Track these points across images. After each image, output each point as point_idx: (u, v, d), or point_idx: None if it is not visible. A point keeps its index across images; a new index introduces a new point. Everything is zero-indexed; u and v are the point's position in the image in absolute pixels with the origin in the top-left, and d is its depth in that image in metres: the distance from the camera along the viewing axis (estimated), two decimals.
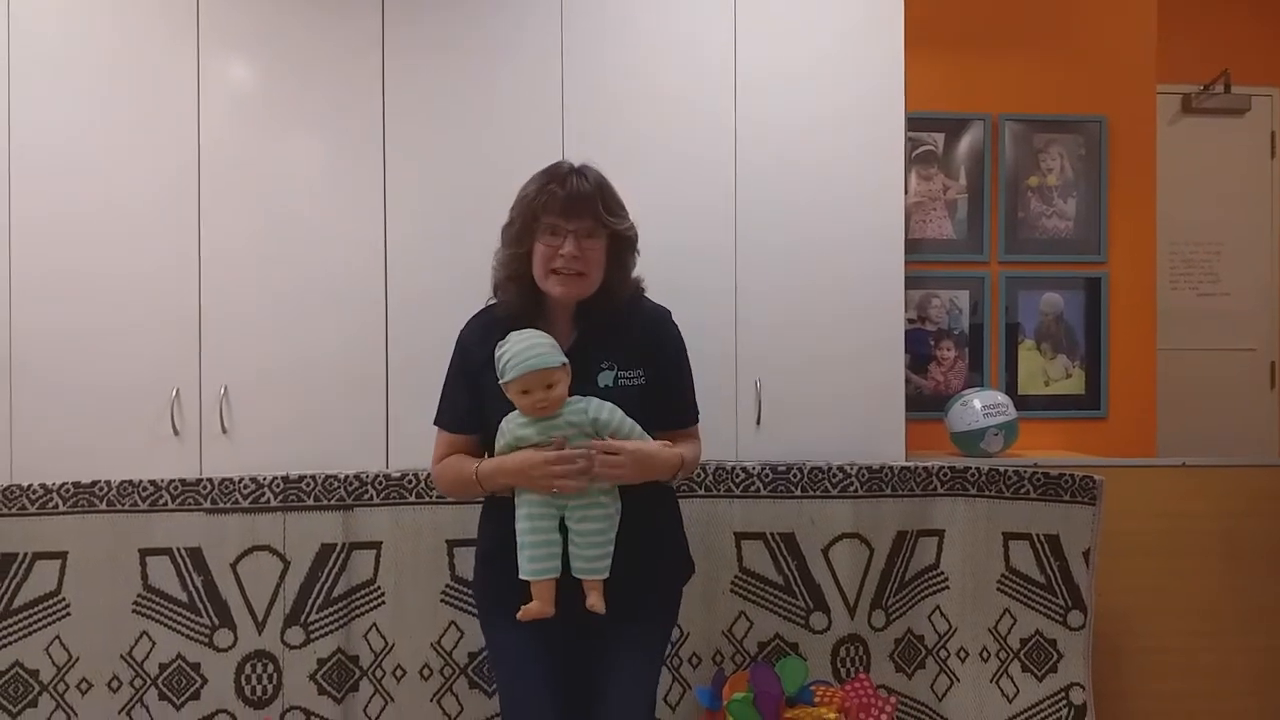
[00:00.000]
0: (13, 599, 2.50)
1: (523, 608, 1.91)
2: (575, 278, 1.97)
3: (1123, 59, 3.62)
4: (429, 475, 2.58)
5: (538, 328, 1.99)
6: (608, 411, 1.94)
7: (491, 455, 2.00)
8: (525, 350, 1.90)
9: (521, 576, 1.92)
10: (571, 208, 1.95)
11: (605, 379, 1.99)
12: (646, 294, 2.14)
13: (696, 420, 2.15)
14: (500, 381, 1.92)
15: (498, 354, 1.93)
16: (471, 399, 2.04)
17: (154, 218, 2.75)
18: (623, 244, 2.03)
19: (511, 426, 1.95)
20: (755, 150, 2.91)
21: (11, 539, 2.50)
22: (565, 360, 1.92)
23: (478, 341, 2.05)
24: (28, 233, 2.72)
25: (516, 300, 2.03)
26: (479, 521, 2.15)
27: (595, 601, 1.91)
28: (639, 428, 1.96)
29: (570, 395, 1.94)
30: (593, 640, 2.02)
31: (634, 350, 2.02)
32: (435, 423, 2.12)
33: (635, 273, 2.10)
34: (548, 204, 1.96)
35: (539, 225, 1.97)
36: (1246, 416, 4.22)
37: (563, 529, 1.94)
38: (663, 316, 2.12)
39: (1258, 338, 4.25)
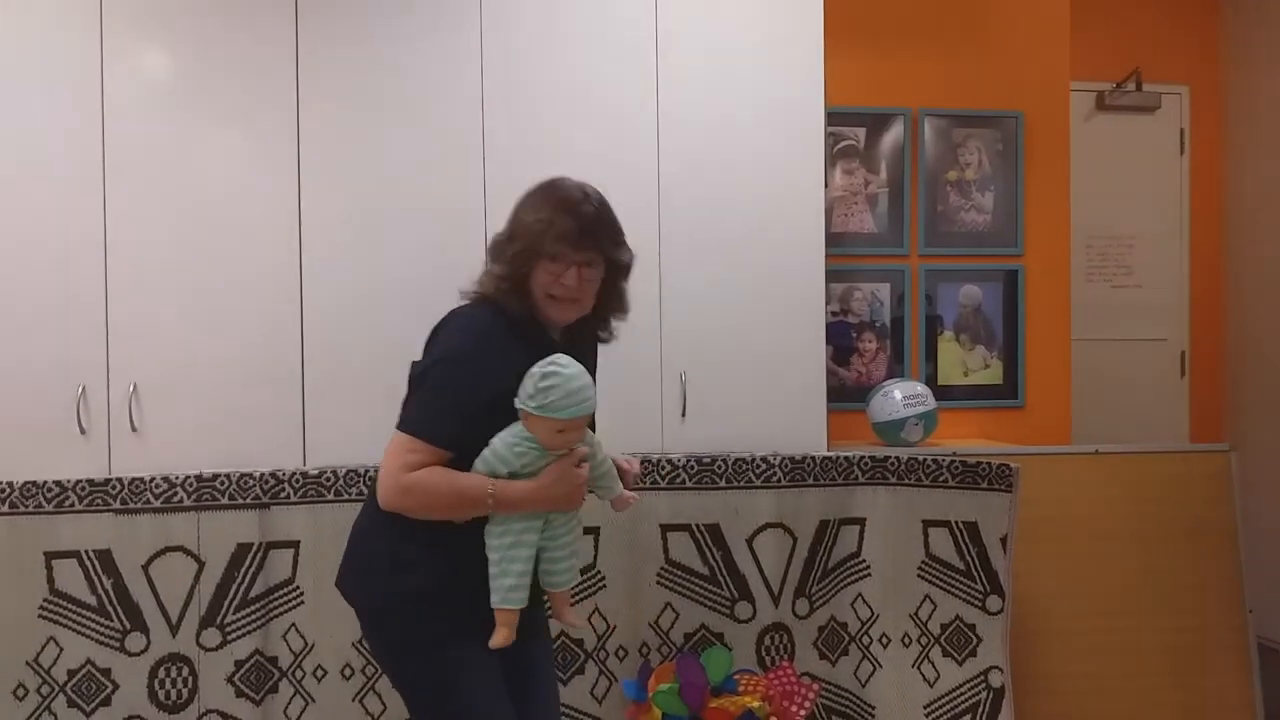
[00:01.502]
0: None
1: (495, 638, 1.83)
2: (572, 304, 1.92)
3: (1038, 56, 3.70)
4: (348, 472, 2.55)
5: (538, 333, 1.93)
6: (597, 445, 1.94)
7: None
8: (580, 391, 1.81)
9: (503, 606, 1.82)
10: (582, 242, 1.88)
11: None
12: None
13: None
14: (537, 411, 1.80)
15: (544, 384, 1.79)
16: (475, 416, 1.86)
17: (56, 209, 2.66)
18: (620, 272, 2.00)
19: (515, 455, 1.82)
20: (677, 145, 2.91)
21: None
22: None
23: (498, 352, 1.87)
24: None
25: (518, 308, 1.92)
26: (419, 554, 1.87)
27: (576, 617, 1.99)
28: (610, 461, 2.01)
29: None
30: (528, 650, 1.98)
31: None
32: (419, 432, 1.83)
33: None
34: (560, 236, 1.86)
35: (544, 249, 1.87)
36: (1158, 405, 4.34)
37: None
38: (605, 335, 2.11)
39: (1169, 328, 4.38)
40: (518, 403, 1.81)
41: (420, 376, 1.89)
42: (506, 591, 1.82)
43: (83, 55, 2.67)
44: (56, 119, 2.67)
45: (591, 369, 1.97)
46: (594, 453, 1.92)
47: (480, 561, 1.86)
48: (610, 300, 2.01)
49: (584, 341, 2.03)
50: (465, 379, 1.85)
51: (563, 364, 1.82)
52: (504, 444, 1.82)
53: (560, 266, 1.88)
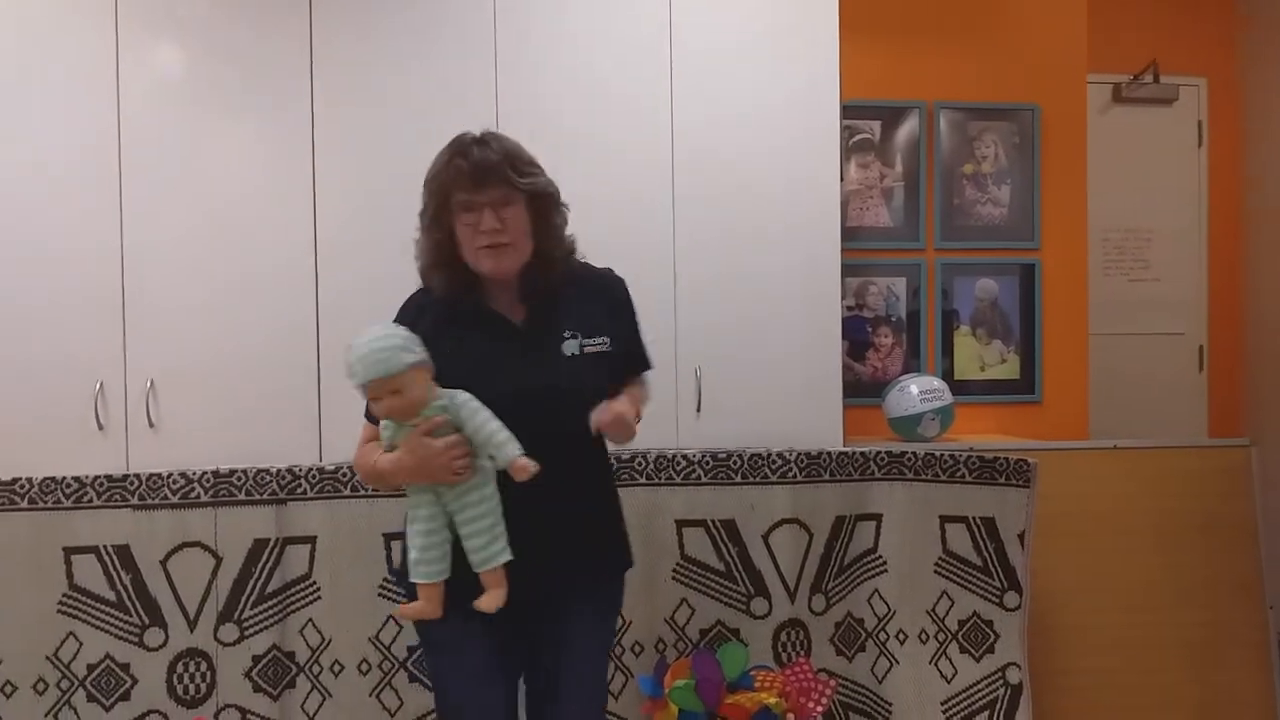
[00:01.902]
0: None
1: (403, 606, 1.86)
2: (504, 249, 1.87)
3: (1055, 49, 3.68)
4: None
5: (481, 308, 1.92)
6: (468, 411, 1.79)
7: None
8: (364, 357, 1.75)
9: (412, 580, 1.82)
10: (480, 177, 1.85)
11: (570, 348, 1.91)
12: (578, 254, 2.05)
13: (648, 366, 2.09)
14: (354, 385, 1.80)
15: (345, 358, 1.78)
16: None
17: (73, 209, 2.68)
18: (545, 203, 1.93)
19: (384, 429, 1.84)
20: (691, 139, 2.91)
21: None
22: (416, 360, 1.78)
23: (407, 324, 1.89)
24: None
25: (447, 287, 1.93)
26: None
27: (487, 601, 1.80)
28: (493, 426, 1.79)
29: (521, 367, 1.88)
30: (541, 626, 1.96)
31: (597, 317, 1.96)
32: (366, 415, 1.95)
33: (568, 230, 2.01)
34: (456, 179, 1.86)
35: (453, 203, 1.87)
36: (1176, 399, 4.31)
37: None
38: (614, 279, 2.07)
39: (1187, 322, 4.34)
40: None
41: None
42: (413, 565, 1.82)
43: (97, 53, 2.68)
44: (73, 117, 2.68)
45: (592, 329, 1.93)
46: (462, 419, 1.79)
47: (531, 520, 1.86)
48: (547, 237, 1.93)
49: (567, 306, 1.95)
50: None
51: (363, 335, 1.78)
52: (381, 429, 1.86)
53: (474, 215, 1.86)
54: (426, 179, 1.92)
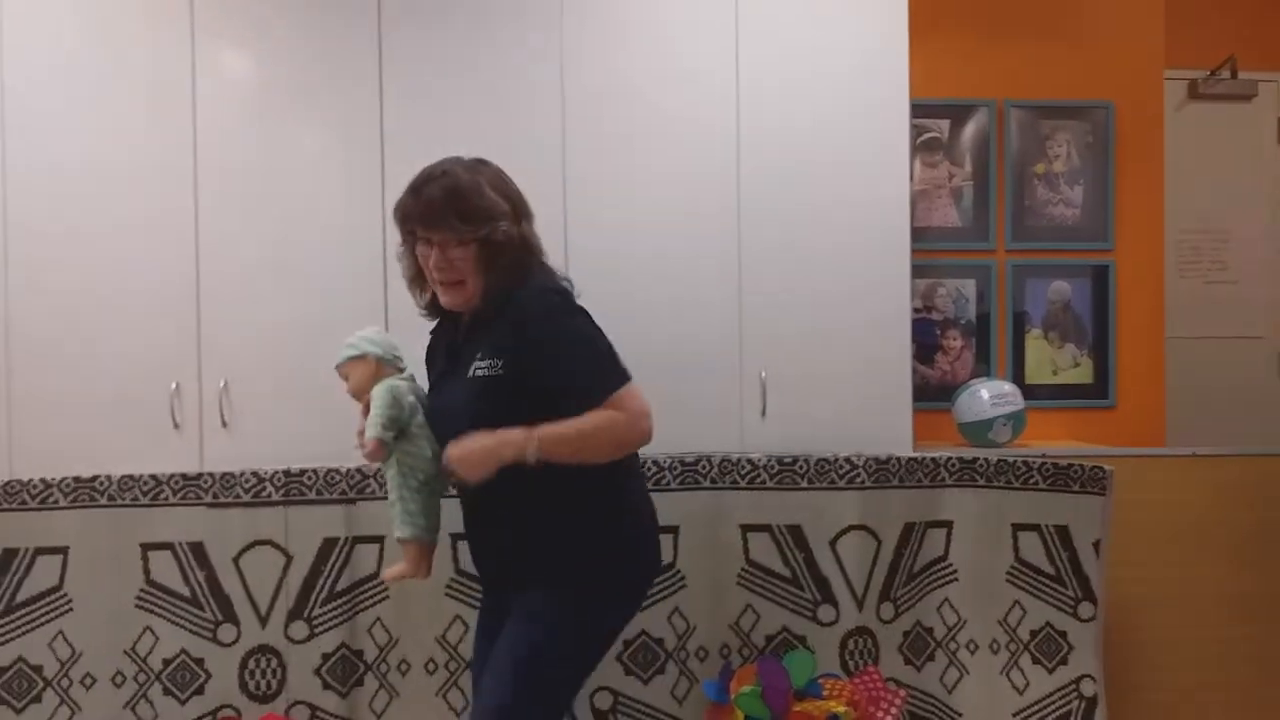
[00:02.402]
0: (15, 594, 2.48)
1: (387, 570, 2.09)
2: (456, 286, 1.95)
3: (1130, 44, 3.59)
4: None
5: (457, 324, 2.04)
6: (373, 408, 2.03)
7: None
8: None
9: (397, 537, 2.06)
10: (425, 220, 1.92)
11: (473, 370, 1.95)
12: (563, 279, 2.03)
13: (603, 393, 1.89)
14: None
15: None
16: None
17: (151, 210, 2.74)
18: (491, 249, 1.92)
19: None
20: (758, 142, 2.89)
21: (13, 535, 2.48)
22: (356, 354, 2.08)
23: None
24: (25, 230, 2.70)
25: (429, 298, 2.06)
26: None
27: (389, 571, 2.10)
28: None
29: (446, 388, 2.04)
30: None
31: (498, 340, 1.93)
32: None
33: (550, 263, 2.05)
34: (407, 217, 1.95)
35: (413, 237, 1.97)
36: (1255, 405, 4.18)
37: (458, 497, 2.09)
38: (527, 301, 1.93)
39: (1266, 325, 4.21)
40: None
41: None
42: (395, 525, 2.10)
43: (175, 60, 2.74)
44: (151, 122, 2.74)
45: (490, 352, 1.92)
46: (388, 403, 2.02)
47: (468, 520, 2.09)
48: (494, 279, 1.93)
49: (483, 330, 1.96)
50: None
51: None
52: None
53: (425, 248, 1.94)
54: (396, 204, 1.99)
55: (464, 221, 1.90)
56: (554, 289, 1.97)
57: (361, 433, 2.02)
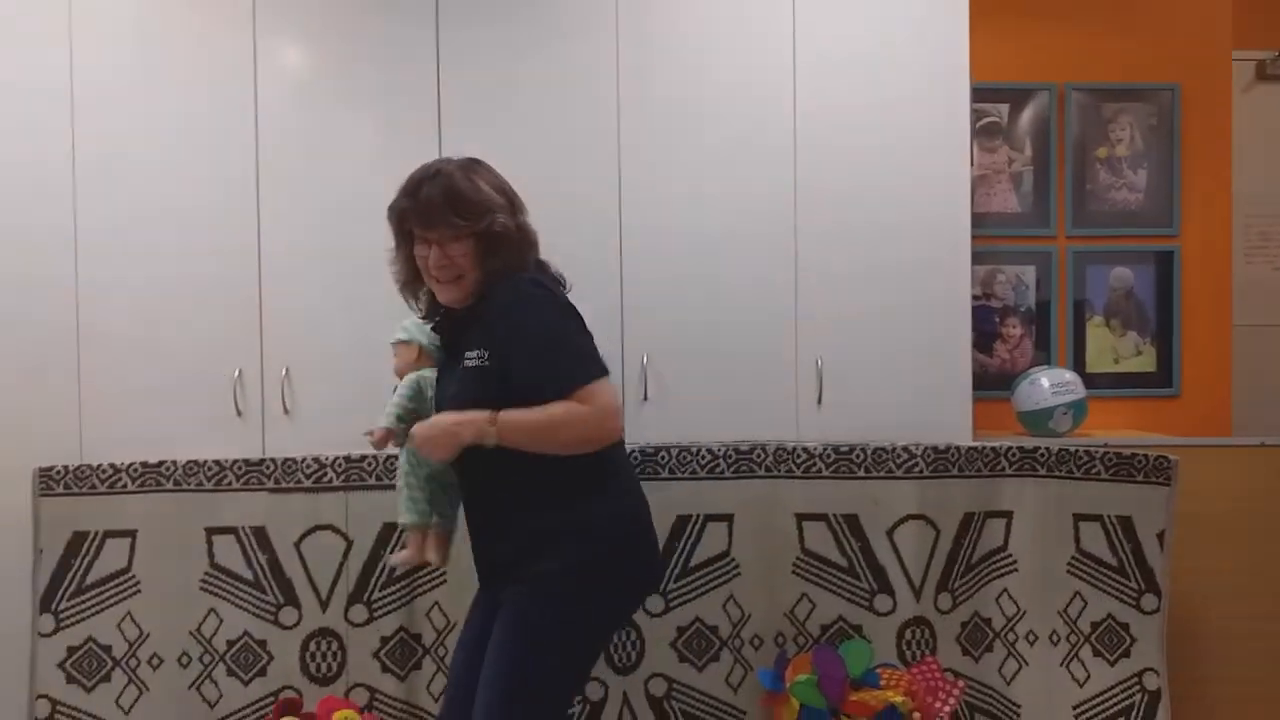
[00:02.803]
0: (85, 576, 2.55)
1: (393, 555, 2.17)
2: (454, 282, 1.97)
3: (1196, 25, 3.51)
4: None
5: (453, 318, 2.05)
6: (403, 389, 2.17)
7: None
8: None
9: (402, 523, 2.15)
10: (424, 220, 1.94)
11: (466, 361, 1.97)
12: (556, 273, 2.07)
13: (569, 386, 1.89)
14: None
15: None
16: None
17: (214, 201, 2.79)
18: (492, 240, 1.95)
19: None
20: (815, 126, 2.87)
21: (83, 518, 2.55)
22: (403, 339, 2.22)
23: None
24: (95, 221, 2.77)
25: (430, 297, 2.08)
26: None
27: (394, 556, 2.19)
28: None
29: (445, 381, 2.07)
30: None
31: (483, 330, 1.95)
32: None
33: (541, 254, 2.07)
34: (403, 217, 1.98)
35: (408, 236, 2.00)
36: None
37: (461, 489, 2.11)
38: (504, 289, 1.94)
39: None
40: None
41: None
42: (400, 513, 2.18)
43: (236, 53, 2.78)
44: (213, 115, 2.79)
45: (476, 342, 1.95)
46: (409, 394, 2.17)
47: (470, 515, 2.10)
48: (492, 270, 1.96)
49: (472, 320, 1.98)
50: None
51: None
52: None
53: (425, 248, 1.96)
54: (388, 206, 2.02)
55: (462, 217, 1.93)
56: (534, 279, 1.98)
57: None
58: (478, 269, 1.97)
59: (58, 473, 2.54)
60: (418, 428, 1.96)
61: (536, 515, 1.97)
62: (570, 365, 1.92)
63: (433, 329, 2.14)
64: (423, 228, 1.96)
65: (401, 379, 2.21)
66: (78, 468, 2.55)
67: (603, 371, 1.94)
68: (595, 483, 2.00)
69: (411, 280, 2.07)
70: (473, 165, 2.02)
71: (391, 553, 2.47)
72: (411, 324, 2.22)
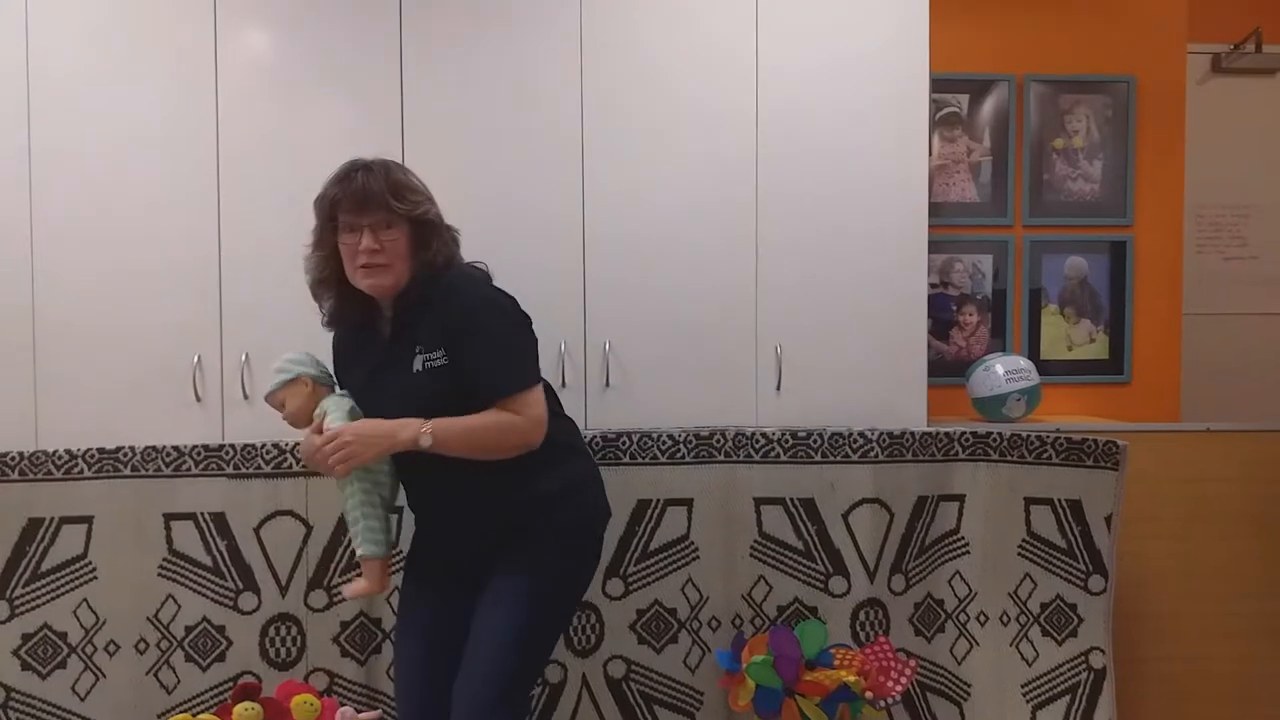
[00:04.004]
0: (40, 562, 2.53)
1: (346, 586, 2.16)
2: (380, 269, 1.98)
3: (1152, 18, 3.56)
4: None
5: (367, 322, 2.07)
6: (331, 408, 2.07)
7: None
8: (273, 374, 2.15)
9: (359, 554, 2.10)
10: (361, 203, 1.96)
11: (417, 363, 2.00)
12: (482, 268, 2.14)
13: (506, 392, 1.98)
14: None
15: None
16: None
17: (174, 184, 2.76)
18: (425, 229, 2.02)
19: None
20: (776, 113, 2.88)
21: (38, 504, 2.53)
22: (289, 377, 2.11)
23: (336, 341, 2.22)
24: (51, 205, 2.74)
25: (338, 301, 2.09)
26: None
27: (348, 588, 2.15)
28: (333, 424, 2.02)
29: (386, 383, 2.04)
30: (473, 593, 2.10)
31: (435, 329, 1.99)
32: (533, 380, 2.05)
33: (466, 252, 2.13)
34: (338, 202, 1.98)
35: (339, 224, 1.99)
36: (1272, 381, 4.16)
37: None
38: (458, 287, 2.02)
39: None
40: None
41: None
42: (357, 543, 2.12)
43: (197, 36, 2.75)
44: (174, 99, 2.76)
45: (431, 342, 1.99)
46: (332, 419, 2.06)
47: (416, 508, 2.17)
48: (426, 261, 2.02)
49: (419, 320, 2.01)
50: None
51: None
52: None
53: (354, 236, 1.96)
54: (316, 198, 2.04)
55: (399, 200, 1.97)
56: (484, 278, 2.08)
57: (333, 453, 2.00)
58: (408, 259, 2.00)
59: (12, 459, 2.52)
60: (351, 427, 1.98)
61: (533, 481, 2.05)
62: (519, 372, 2.01)
63: (340, 339, 2.18)
64: (356, 212, 1.96)
65: (300, 420, 2.12)
66: (33, 454, 2.53)
67: (539, 379, 2.04)
68: (574, 447, 2.17)
69: (326, 278, 2.08)
70: (395, 161, 2.08)
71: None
72: (287, 362, 2.16)
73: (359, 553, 2.10)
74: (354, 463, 1.97)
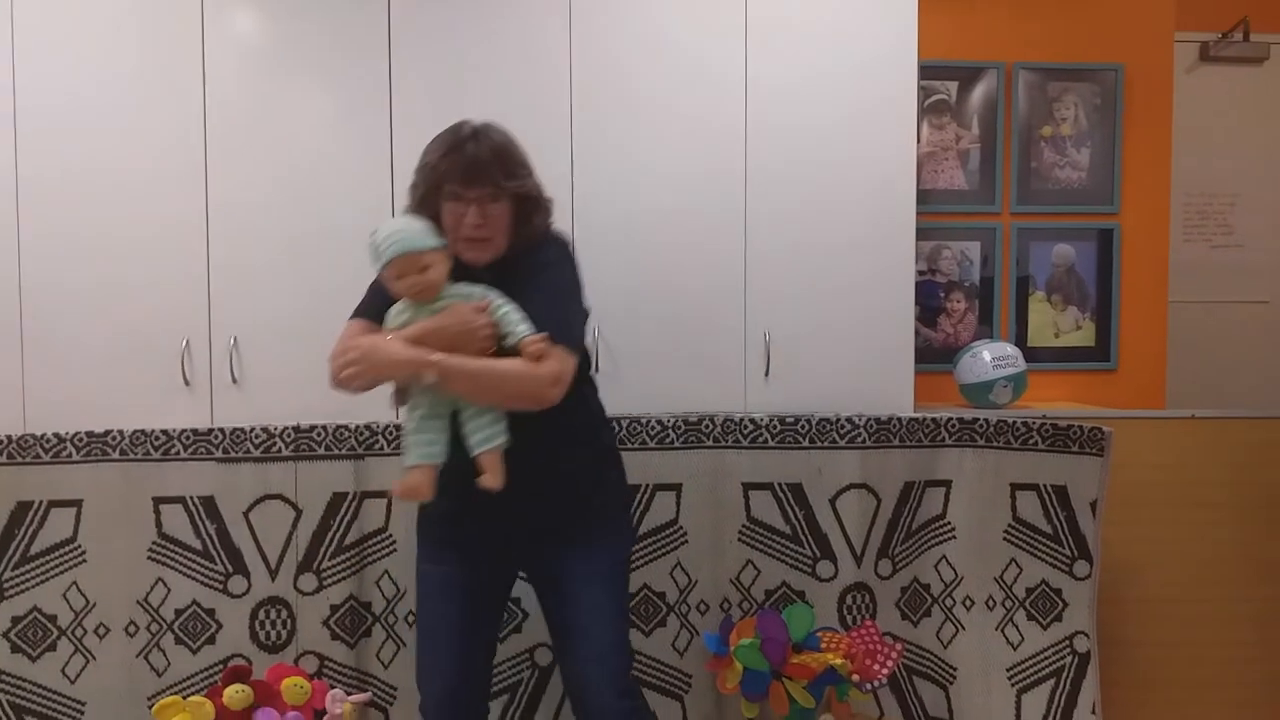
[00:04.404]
0: (30, 545, 2.53)
1: (395, 483, 1.92)
2: (484, 243, 1.97)
3: (1140, 6, 3.57)
4: None
5: (456, 280, 1.96)
6: (495, 295, 1.93)
7: None
8: (395, 233, 1.89)
9: (409, 464, 1.93)
10: (470, 176, 1.93)
11: None
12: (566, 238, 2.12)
13: (557, 342, 1.93)
14: (376, 268, 1.94)
15: (371, 241, 1.91)
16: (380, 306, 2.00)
17: (161, 169, 2.75)
18: (528, 204, 2.01)
19: (390, 315, 1.94)
20: (765, 100, 2.88)
21: (27, 487, 2.53)
22: (441, 243, 1.91)
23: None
24: (36, 187, 2.72)
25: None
26: None
27: (490, 479, 1.89)
28: (522, 325, 1.91)
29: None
30: (534, 574, 2.15)
31: (516, 287, 1.97)
32: (353, 313, 2.05)
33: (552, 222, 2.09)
34: (448, 173, 1.94)
35: (443, 192, 1.96)
36: (1258, 369, 4.19)
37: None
38: (553, 247, 2.04)
39: (1271, 290, 4.21)
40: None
41: None
42: (410, 449, 1.93)
43: (184, 18, 2.74)
44: (160, 81, 2.75)
45: (537, 296, 1.95)
46: (493, 305, 1.91)
47: (442, 474, 1.94)
48: (526, 234, 2.01)
49: (521, 273, 1.99)
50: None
51: (385, 222, 1.94)
52: (390, 313, 1.94)
53: (460, 206, 1.94)
54: (421, 163, 2.00)
55: (507, 177, 1.96)
56: (569, 244, 2.09)
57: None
58: (508, 232, 1.99)
59: (1, 442, 2.52)
60: (363, 345, 1.87)
61: (603, 455, 2.17)
62: (564, 327, 1.97)
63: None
64: (465, 184, 1.93)
65: (432, 293, 1.90)
66: (21, 437, 2.53)
67: (578, 348, 2.02)
68: (605, 418, 2.22)
69: None
70: (500, 127, 2.03)
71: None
72: (427, 223, 1.93)
73: (419, 457, 1.92)
74: (357, 381, 1.89)
